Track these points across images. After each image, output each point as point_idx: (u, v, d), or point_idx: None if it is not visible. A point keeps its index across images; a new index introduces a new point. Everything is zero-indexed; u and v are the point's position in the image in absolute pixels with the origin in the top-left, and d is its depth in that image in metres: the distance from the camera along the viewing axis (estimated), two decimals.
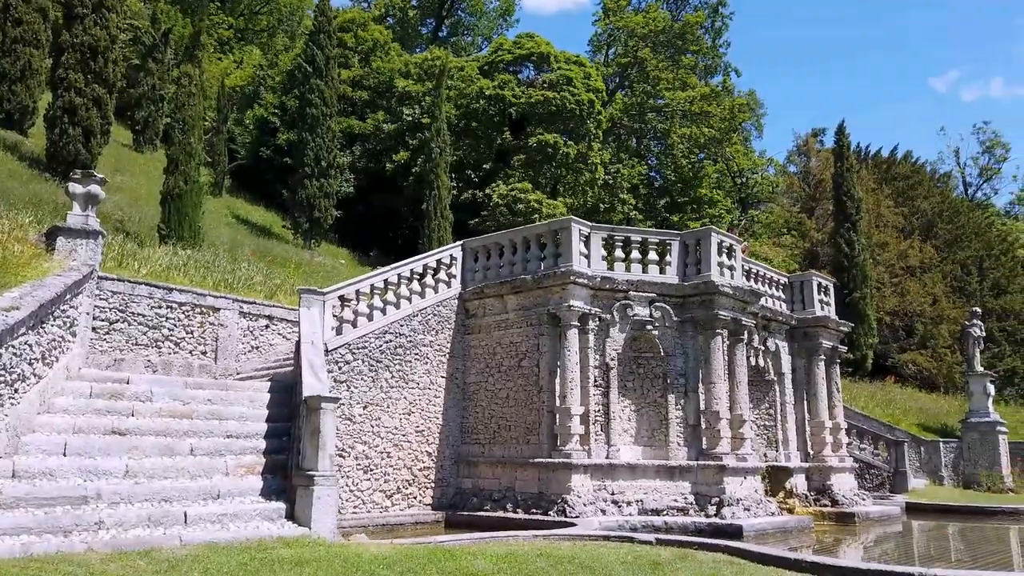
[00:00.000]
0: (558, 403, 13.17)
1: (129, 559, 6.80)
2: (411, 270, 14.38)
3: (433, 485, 13.92)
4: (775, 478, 15.78)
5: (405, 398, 13.69)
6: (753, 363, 15.89)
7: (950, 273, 43.09)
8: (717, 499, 12.81)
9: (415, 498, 13.59)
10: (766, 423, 16.39)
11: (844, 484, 16.50)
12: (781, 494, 15.64)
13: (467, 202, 36.66)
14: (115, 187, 22.60)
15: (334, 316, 13.02)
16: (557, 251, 13.85)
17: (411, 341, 13.92)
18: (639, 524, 12.22)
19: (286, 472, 9.74)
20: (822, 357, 17.01)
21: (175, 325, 13.77)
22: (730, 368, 14.14)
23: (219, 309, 14.64)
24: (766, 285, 16.67)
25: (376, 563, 7.21)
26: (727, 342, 14.20)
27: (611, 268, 14.11)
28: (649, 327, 13.82)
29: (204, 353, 14.38)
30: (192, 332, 14.25)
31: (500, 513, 12.90)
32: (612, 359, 13.67)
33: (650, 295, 13.90)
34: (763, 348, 16.07)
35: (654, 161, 51.84)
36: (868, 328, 33.19)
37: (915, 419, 27.62)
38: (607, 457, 13.21)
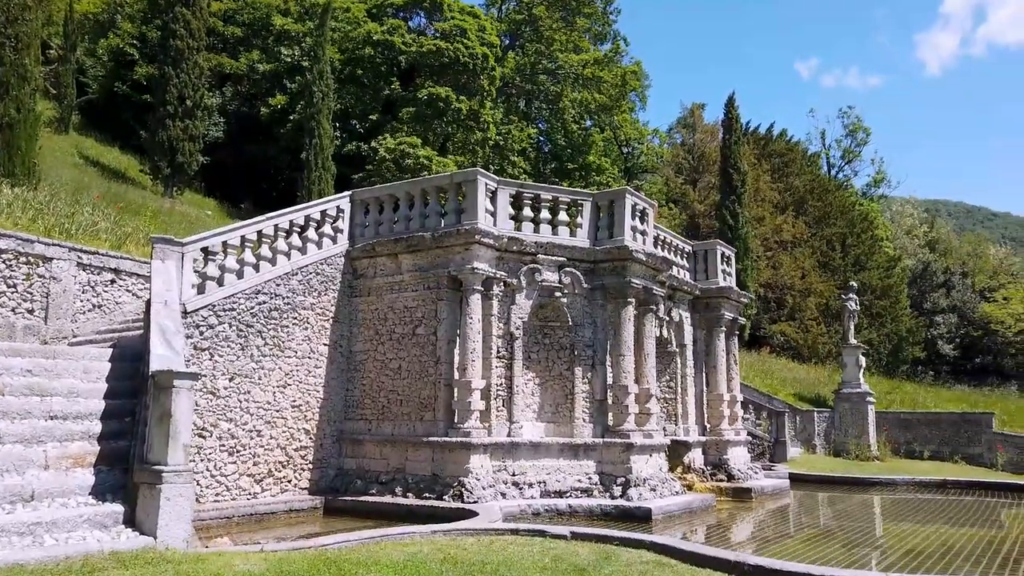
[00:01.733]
0: (457, 376, 11.86)
1: None
2: (290, 222, 12.50)
3: (311, 467, 12.29)
4: (674, 452, 15.27)
5: (280, 368, 11.92)
6: (658, 334, 15.20)
7: (818, 249, 45.11)
8: (623, 479, 12.01)
9: (289, 482, 11.93)
10: (667, 396, 15.84)
11: (739, 458, 16.30)
12: (679, 469, 15.18)
13: (351, 155, 34.23)
14: None
15: (196, 272, 11.01)
16: (460, 207, 12.39)
17: (289, 303, 12.11)
18: (542, 508, 11.22)
19: (127, 464, 7.87)
20: (723, 329, 16.62)
21: None
22: (638, 340, 13.33)
23: (51, 259, 12.19)
24: (672, 253, 16.00)
25: None
26: (637, 312, 13.36)
27: (519, 228, 12.85)
28: (558, 294, 12.71)
29: (31, 312, 11.95)
30: (15, 286, 11.78)
31: (388, 498, 11.51)
32: (517, 328, 12.48)
33: (560, 259, 12.76)
34: (668, 319, 15.43)
35: (544, 125, 50.94)
36: (750, 301, 33.99)
37: (791, 389, 28.51)
38: (509, 435, 12.08)
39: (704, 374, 16.58)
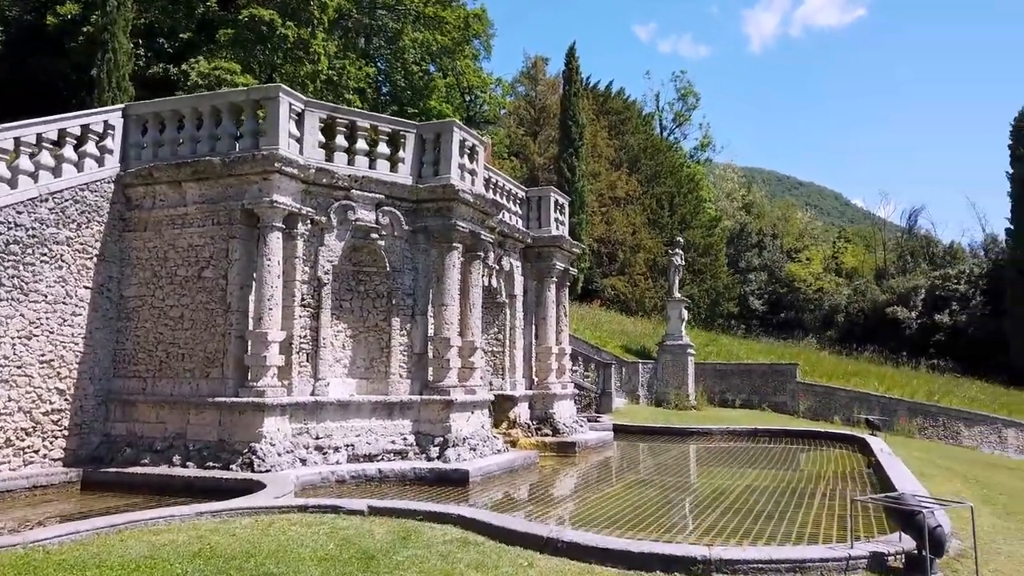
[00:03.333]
0: (251, 327, 10.21)
1: None
2: (39, 135, 10.08)
3: (67, 434, 10.20)
4: (500, 407, 14.57)
5: (23, 315, 9.66)
6: (486, 283, 14.27)
7: (648, 206, 46.56)
8: (441, 439, 11.03)
9: (36, 452, 9.81)
10: (495, 349, 15.02)
11: (565, 412, 15.91)
12: (504, 424, 14.50)
13: (157, 78, 30.13)
14: None
15: None
16: (258, 129, 10.56)
17: (35, 236, 9.79)
18: (348, 475, 9.98)
19: None
20: (554, 279, 15.99)
21: None
22: (464, 289, 12.29)
23: None
24: (504, 198, 15.03)
25: None
26: (463, 259, 12.28)
27: (330, 159, 11.23)
28: (374, 236, 11.31)
29: None
30: None
31: (164, 468, 9.77)
32: (326, 273, 10.97)
33: (377, 196, 11.33)
34: (497, 267, 14.51)
35: (384, 65, 48.25)
36: (582, 253, 34.22)
37: (619, 341, 29.03)
38: (313, 394, 10.66)
39: (534, 326, 15.93)
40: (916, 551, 5.50)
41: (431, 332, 11.61)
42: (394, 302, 11.45)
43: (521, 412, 14.95)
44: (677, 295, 26.75)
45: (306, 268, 10.77)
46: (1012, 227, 36.57)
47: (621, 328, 31.21)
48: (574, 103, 35.00)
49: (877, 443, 14.29)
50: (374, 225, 11.25)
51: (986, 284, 41.77)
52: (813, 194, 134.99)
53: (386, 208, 11.36)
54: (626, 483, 11.02)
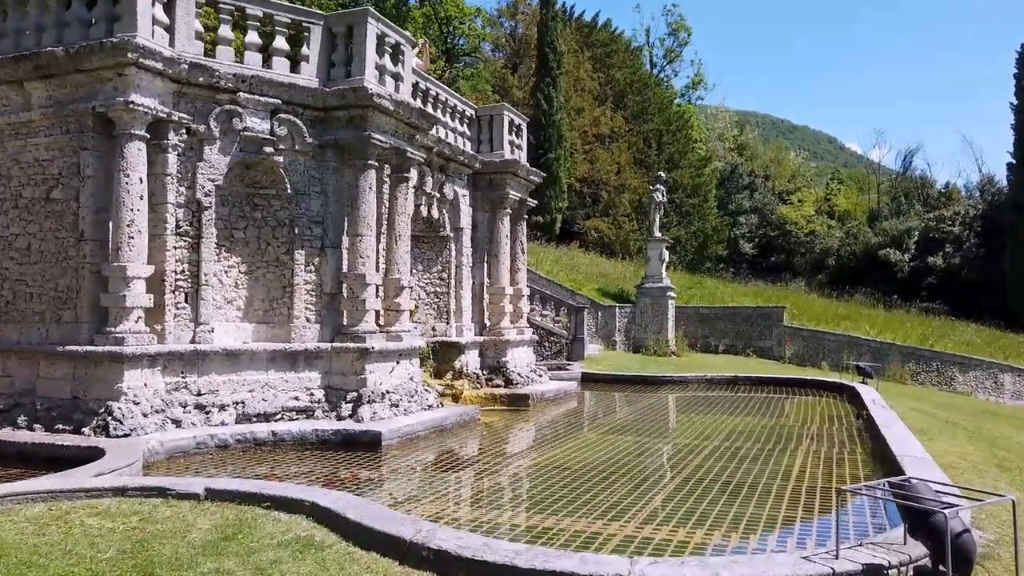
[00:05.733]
0: (110, 259, 8.31)
1: None
2: None
3: None
4: (444, 356, 12.84)
5: None
6: (425, 214, 12.36)
7: (634, 144, 44.29)
8: (355, 393, 9.28)
9: None
10: (438, 290, 13.19)
11: (521, 360, 14.18)
12: (449, 375, 12.79)
13: None
14: None
15: None
16: (114, 13, 8.44)
17: None
18: (232, 438, 8.23)
19: None
20: (508, 211, 14.05)
21: None
22: (390, 217, 10.38)
23: None
24: (448, 115, 12.98)
25: None
26: (387, 181, 10.35)
27: (212, 53, 9.16)
28: (270, 150, 9.32)
29: None
30: None
31: (6, 432, 7.99)
32: (208, 194, 9.00)
33: (273, 102, 9.29)
34: (438, 195, 12.56)
35: None
36: (559, 191, 32.21)
37: (596, 284, 27.26)
38: (193, 341, 8.82)
39: (486, 264, 14.06)
40: (930, 564, 3.80)
41: (345, 268, 9.75)
42: (297, 231, 9.52)
43: (469, 361, 13.21)
44: (658, 234, 24.86)
45: (181, 188, 8.80)
46: (1014, 161, 34.56)
47: (599, 271, 29.39)
48: (552, 28, 32.45)
49: (869, 393, 12.67)
50: (268, 137, 9.24)
51: (981, 226, 40.19)
52: (808, 138, 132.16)
53: (284, 117, 9.34)
54: (575, 444, 9.36)
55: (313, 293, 9.62)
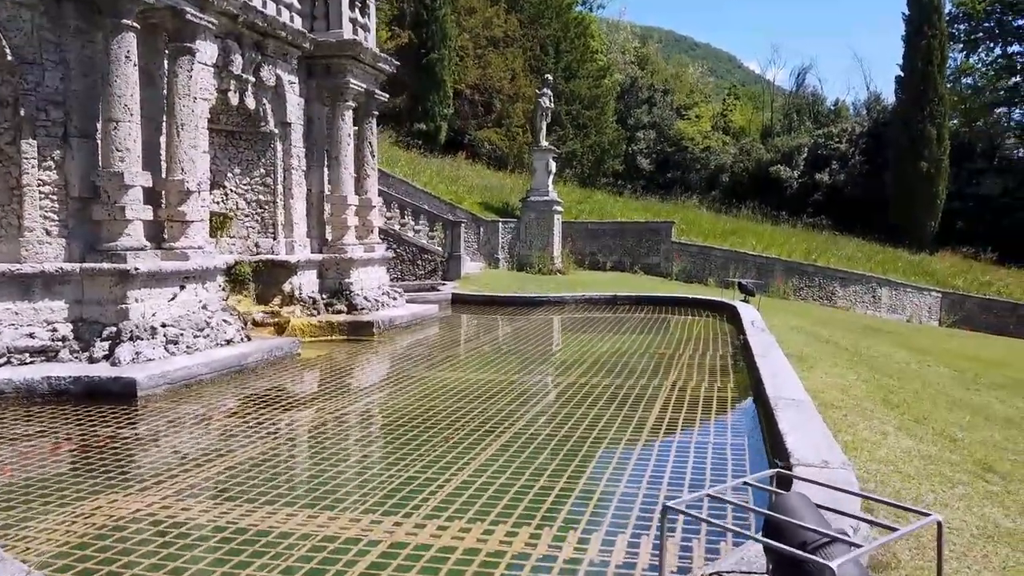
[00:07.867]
0: None
1: None
2: None
3: None
4: (270, 278, 10.78)
5: None
6: (237, 102, 9.99)
7: (530, 50, 41.84)
8: (114, 328, 7.19)
9: None
10: (260, 198, 10.96)
11: (370, 282, 12.28)
12: (277, 301, 10.78)
13: None
14: None
15: None
16: None
17: None
18: None
19: None
20: (351, 104, 11.79)
21: None
22: (169, 100, 8.05)
23: None
24: None
25: None
26: (166, 52, 7.98)
27: None
28: None
29: None
30: None
31: None
32: None
33: None
34: (253, 80, 10.17)
35: None
36: (444, 96, 29.69)
37: (479, 197, 25.39)
38: None
39: (325, 168, 11.87)
40: None
41: (100, 163, 7.45)
42: (24, 114, 7.10)
43: (303, 284, 11.19)
44: (544, 143, 23.02)
45: None
46: (903, 73, 34.44)
47: (484, 183, 27.44)
48: None
49: (749, 313, 11.60)
50: None
51: (866, 143, 40.70)
52: (709, 56, 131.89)
53: None
54: (404, 386, 7.68)
55: (54, 198, 7.31)
